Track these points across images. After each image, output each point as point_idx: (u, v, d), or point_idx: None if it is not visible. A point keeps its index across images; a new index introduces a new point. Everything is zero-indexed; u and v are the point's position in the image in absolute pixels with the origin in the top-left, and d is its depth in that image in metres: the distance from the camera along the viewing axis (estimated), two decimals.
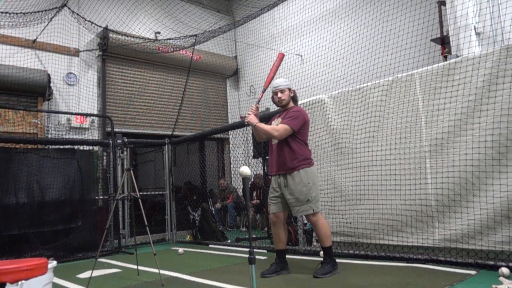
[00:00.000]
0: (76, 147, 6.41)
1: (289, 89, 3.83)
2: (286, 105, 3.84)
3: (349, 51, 7.30)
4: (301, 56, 9.03)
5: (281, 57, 3.87)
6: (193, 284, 3.64)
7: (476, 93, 3.59)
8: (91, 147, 6.78)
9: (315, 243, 4.83)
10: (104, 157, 7.64)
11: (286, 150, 3.68)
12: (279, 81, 3.84)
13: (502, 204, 3.37)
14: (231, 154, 10.35)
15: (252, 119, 3.69)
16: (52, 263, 3.01)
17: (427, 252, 3.89)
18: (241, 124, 5.97)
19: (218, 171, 10.45)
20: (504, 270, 3.05)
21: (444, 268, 3.50)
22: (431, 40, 5.86)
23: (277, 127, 3.67)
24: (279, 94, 3.80)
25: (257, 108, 3.80)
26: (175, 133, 9.50)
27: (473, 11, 4.70)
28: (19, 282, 2.57)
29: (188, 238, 7.14)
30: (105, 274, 4.41)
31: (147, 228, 4.06)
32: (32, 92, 7.66)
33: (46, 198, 5.82)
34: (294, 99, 3.90)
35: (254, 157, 7.09)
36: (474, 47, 4.57)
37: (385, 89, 4.28)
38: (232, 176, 10.30)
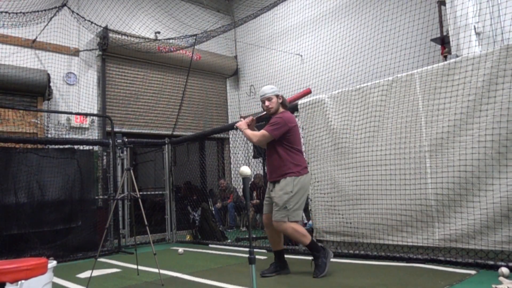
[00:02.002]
0: (76, 146, 6.41)
1: (277, 96, 3.78)
2: (275, 112, 3.80)
3: (349, 51, 7.30)
4: (301, 56, 9.02)
5: (308, 92, 4.06)
6: (193, 284, 3.64)
7: (476, 93, 3.59)
8: (91, 147, 6.78)
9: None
10: (104, 157, 7.64)
11: (275, 157, 3.70)
12: (265, 89, 3.79)
13: (502, 204, 3.37)
14: (231, 154, 10.34)
15: (241, 124, 3.83)
16: (52, 263, 3.01)
17: (427, 252, 3.89)
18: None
19: (218, 171, 10.44)
20: (504, 270, 3.04)
21: (444, 268, 3.50)
22: (431, 40, 5.86)
23: (257, 133, 3.74)
24: (267, 103, 3.78)
25: (253, 120, 3.86)
26: (175, 133, 9.49)
27: (473, 11, 4.70)
28: (19, 282, 2.58)
29: (188, 238, 7.14)
30: (105, 274, 4.41)
31: (147, 228, 4.07)
32: (32, 92, 7.64)
33: (46, 198, 5.83)
34: (284, 104, 3.85)
35: (254, 157, 7.11)
36: (474, 47, 4.57)
37: (385, 89, 4.28)
38: (232, 176, 10.29)
